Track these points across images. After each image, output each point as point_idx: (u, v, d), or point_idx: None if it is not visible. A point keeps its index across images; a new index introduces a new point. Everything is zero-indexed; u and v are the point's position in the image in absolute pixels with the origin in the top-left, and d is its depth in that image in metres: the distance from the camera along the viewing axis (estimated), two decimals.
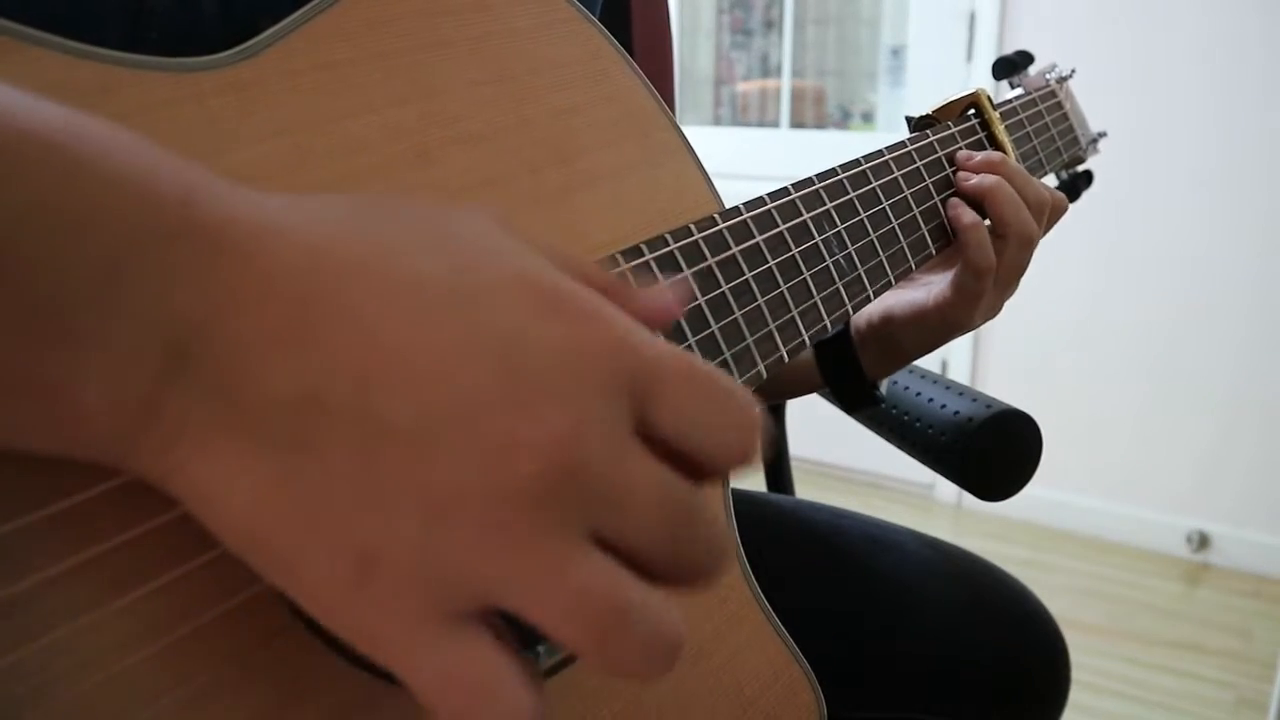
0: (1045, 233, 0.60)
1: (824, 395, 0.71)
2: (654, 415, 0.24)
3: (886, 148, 0.55)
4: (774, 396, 0.78)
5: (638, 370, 0.24)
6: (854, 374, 0.63)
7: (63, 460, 0.23)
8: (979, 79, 2.12)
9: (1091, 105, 0.79)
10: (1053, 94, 0.71)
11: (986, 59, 2.10)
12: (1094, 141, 0.76)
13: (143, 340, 0.21)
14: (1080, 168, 0.77)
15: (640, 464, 0.23)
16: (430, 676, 0.22)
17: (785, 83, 2.56)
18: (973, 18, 2.12)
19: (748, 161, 2.41)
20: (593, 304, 0.24)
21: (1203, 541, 2.05)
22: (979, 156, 0.58)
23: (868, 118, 2.64)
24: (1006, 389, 1.94)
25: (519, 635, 0.25)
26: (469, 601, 0.22)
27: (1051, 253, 1.51)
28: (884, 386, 0.66)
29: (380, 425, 0.22)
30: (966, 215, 0.56)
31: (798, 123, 2.60)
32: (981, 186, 0.56)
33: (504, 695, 0.22)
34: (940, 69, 2.19)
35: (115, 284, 0.21)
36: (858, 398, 0.65)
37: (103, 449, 0.22)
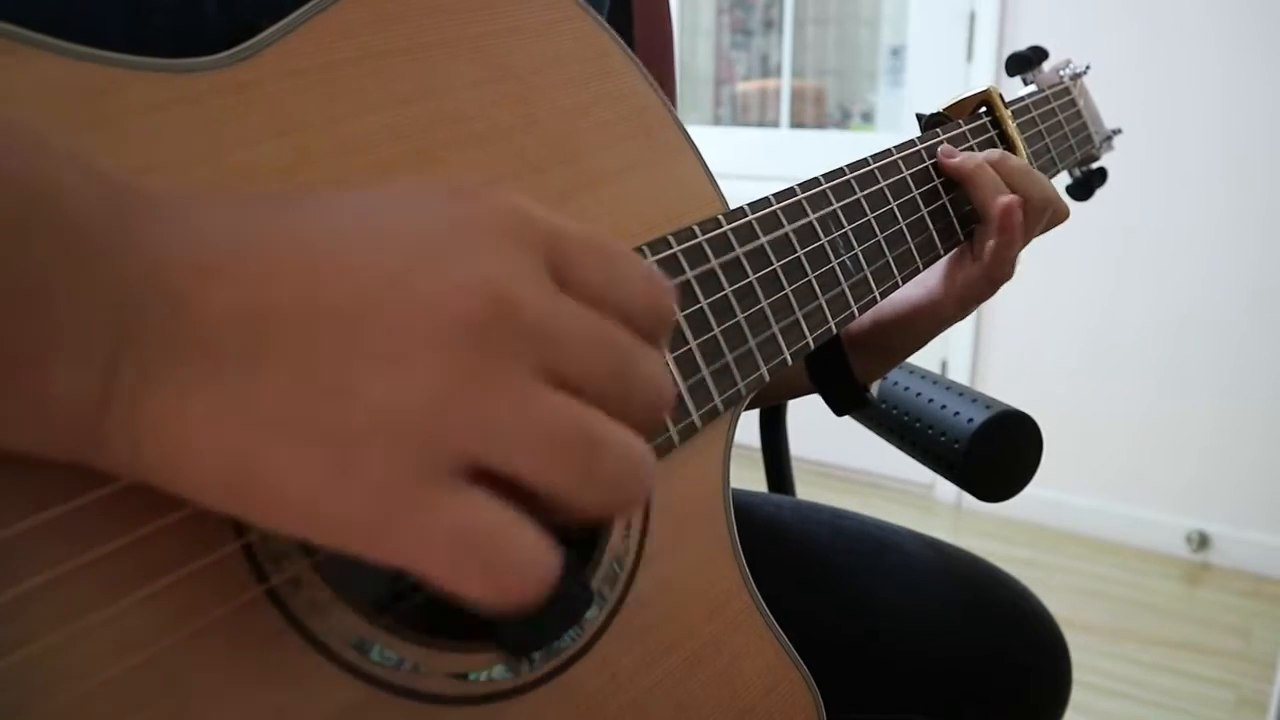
0: (1039, 233, 0.60)
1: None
2: (566, 278, 0.25)
3: (895, 147, 0.54)
4: (765, 400, 0.78)
5: (545, 236, 0.25)
6: (843, 377, 0.63)
7: (39, 463, 0.23)
8: (979, 79, 2.12)
9: None
10: (1066, 91, 0.70)
11: (986, 59, 2.10)
12: (1108, 139, 0.75)
13: (92, 316, 0.22)
14: (1094, 165, 0.77)
15: (571, 305, 0.25)
16: (441, 546, 0.22)
17: (785, 83, 2.56)
18: (973, 18, 2.12)
19: (748, 161, 2.41)
20: (493, 189, 0.26)
21: (1203, 541, 2.05)
22: (962, 155, 0.57)
23: (868, 118, 2.63)
24: (1006, 389, 1.94)
25: None
26: (452, 457, 0.22)
27: (1052, 253, 1.51)
28: (874, 389, 0.65)
29: (322, 315, 0.22)
30: (1004, 196, 0.55)
31: (798, 123, 2.59)
32: (964, 168, 0.56)
33: (519, 539, 0.22)
34: (940, 69, 2.19)
35: (43, 273, 0.21)
36: (847, 400, 0.64)
37: (71, 437, 0.22)
